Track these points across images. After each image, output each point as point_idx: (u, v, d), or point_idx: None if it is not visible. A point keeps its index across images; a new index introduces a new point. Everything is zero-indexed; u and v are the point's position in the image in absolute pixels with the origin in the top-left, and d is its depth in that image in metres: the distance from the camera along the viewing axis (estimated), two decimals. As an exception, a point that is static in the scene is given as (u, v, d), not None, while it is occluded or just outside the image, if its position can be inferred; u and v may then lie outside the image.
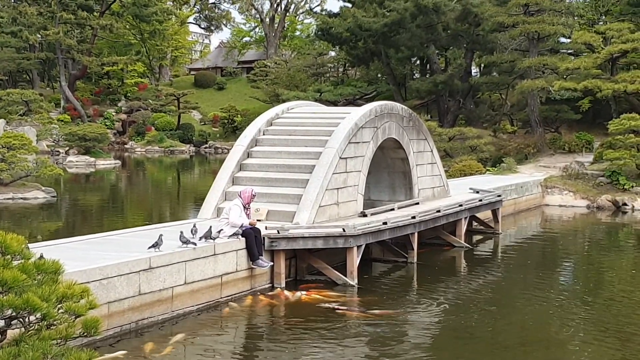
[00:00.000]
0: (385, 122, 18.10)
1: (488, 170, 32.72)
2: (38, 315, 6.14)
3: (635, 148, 28.66)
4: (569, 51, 44.85)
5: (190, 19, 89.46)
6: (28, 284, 5.97)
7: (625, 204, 27.60)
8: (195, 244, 12.50)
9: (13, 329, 6.37)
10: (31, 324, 6.27)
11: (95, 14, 65.35)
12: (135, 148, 61.34)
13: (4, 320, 6.25)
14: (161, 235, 12.16)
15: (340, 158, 16.34)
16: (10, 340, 6.21)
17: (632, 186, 28.27)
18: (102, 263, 10.87)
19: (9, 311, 6.00)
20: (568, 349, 11.31)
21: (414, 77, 58.45)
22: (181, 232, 12.52)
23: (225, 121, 65.00)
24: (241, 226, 13.64)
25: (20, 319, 6.20)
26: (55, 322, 6.31)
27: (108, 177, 41.96)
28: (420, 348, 11.31)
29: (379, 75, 62.00)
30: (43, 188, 28.83)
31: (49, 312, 6.04)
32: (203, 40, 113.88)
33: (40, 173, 29.11)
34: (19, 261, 6.22)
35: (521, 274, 17.42)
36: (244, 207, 14.16)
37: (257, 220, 14.71)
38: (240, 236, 13.60)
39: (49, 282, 6.28)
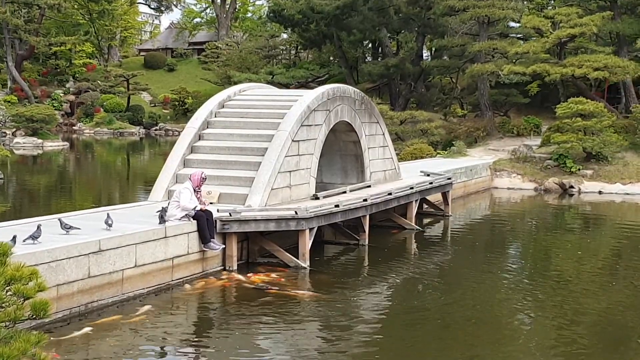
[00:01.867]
0: (337, 105, 18.13)
1: (439, 153, 33.03)
2: (-15, 298, 6.05)
3: (582, 132, 29.18)
4: (518, 35, 45.36)
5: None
6: (-25, 267, 5.88)
7: (572, 187, 28.14)
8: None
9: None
10: (-22, 307, 6.17)
11: (42, -7, 63.97)
12: (84, 130, 60.43)
13: (-51, 303, 6.15)
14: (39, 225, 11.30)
15: (293, 141, 16.33)
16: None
17: (579, 169, 28.82)
18: (51, 245, 10.73)
19: (-44, 294, 5.90)
20: (516, 328, 11.55)
21: (366, 60, 58.55)
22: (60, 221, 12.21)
23: (176, 103, 64.38)
24: (193, 209, 13.56)
25: (-33, 302, 6.10)
26: (3, 305, 6.22)
27: (56, 159, 41.32)
28: (371, 328, 11.44)
29: (331, 58, 61.95)
30: (-11, 170, 28.26)
31: (-4, 294, 5.96)
32: (153, 20, 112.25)
33: (-14, 155, 28.54)
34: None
35: (470, 255, 17.69)
36: (195, 190, 14.07)
37: (210, 203, 14.65)
38: (191, 219, 13.53)
39: (-4, 265, 6.19)
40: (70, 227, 11.83)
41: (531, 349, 10.46)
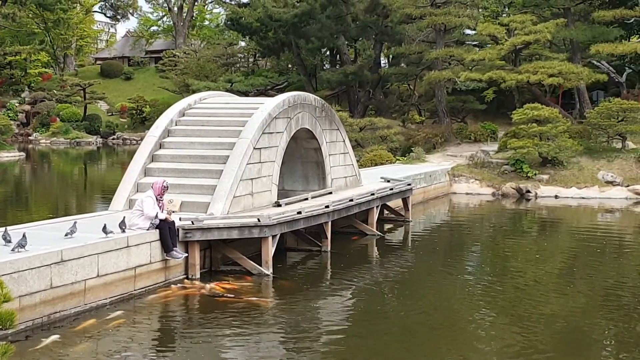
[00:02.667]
0: (298, 112, 18.22)
1: (398, 159, 33.32)
2: (-50, 309, 6.00)
3: (537, 137, 29.68)
4: (474, 43, 45.97)
5: (96, 8, 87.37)
6: (-60, 278, 5.83)
7: (528, 191, 28.59)
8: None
9: None
10: (-57, 319, 6.12)
11: (-4, 1, 63.16)
12: (40, 140, 59.71)
13: None
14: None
15: (254, 148, 16.37)
16: None
17: (535, 174, 29.29)
18: (12, 256, 10.62)
19: None
20: (475, 331, 11.72)
21: (325, 67, 58.77)
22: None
23: (134, 112, 63.97)
24: (155, 216, 13.51)
25: None
26: (-32, 316, 6.18)
27: (12, 170, 40.74)
28: (333, 333, 11.51)
29: (290, 65, 62.11)
30: (-57, 181, 27.78)
31: (-38, 306, 5.92)
32: (109, 29, 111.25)
33: (-60, 166, 28.04)
34: None
35: (431, 260, 17.88)
36: (157, 198, 14.02)
37: (173, 211, 14.61)
38: (154, 227, 13.48)
39: (-39, 276, 6.14)
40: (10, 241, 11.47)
41: (491, 353, 10.62)
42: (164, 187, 14.20)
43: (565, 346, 11.21)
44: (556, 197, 28.28)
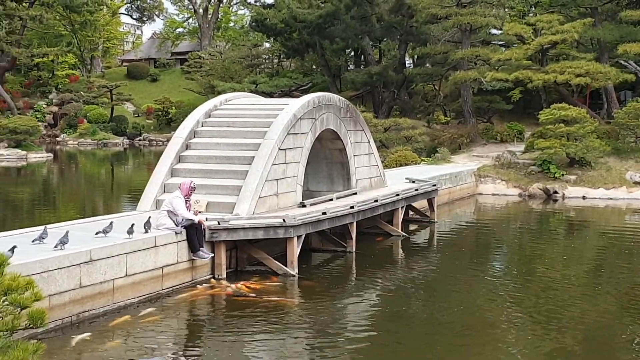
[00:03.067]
0: (323, 113, 18.26)
1: (423, 160, 33.24)
2: (-17, 307, 6.10)
3: (565, 137, 29.47)
4: (501, 42, 45.77)
5: (122, 10, 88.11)
6: (-27, 277, 5.94)
7: (555, 192, 28.40)
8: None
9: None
10: (-24, 317, 6.22)
11: (24, 4, 63.74)
12: (68, 141, 60.28)
13: (-53, 314, 6.19)
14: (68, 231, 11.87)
15: (279, 149, 16.44)
16: (-46, 334, 6.16)
17: (562, 174, 29.10)
18: (42, 256, 10.76)
19: (-46, 304, 5.95)
20: (502, 333, 11.66)
21: (349, 68, 58.79)
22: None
23: (160, 113, 64.38)
24: (188, 220, 13.62)
25: (-35, 312, 6.15)
26: (0, 315, 6.28)
27: (40, 171, 41.18)
28: (359, 334, 11.53)
29: (314, 66, 62.19)
30: (-27, 182, 28.16)
31: (-6, 304, 6.01)
32: (135, 31, 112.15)
33: (-29, 167, 28.43)
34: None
35: (456, 261, 17.83)
36: (184, 199, 14.14)
37: (199, 212, 14.72)
38: (181, 228, 13.58)
39: (-6, 275, 6.25)
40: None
41: (519, 355, 10.57)
42: (192, 187, 14.31)
43: (594, 348, 11.13)
44: (584, 197, 28.07)
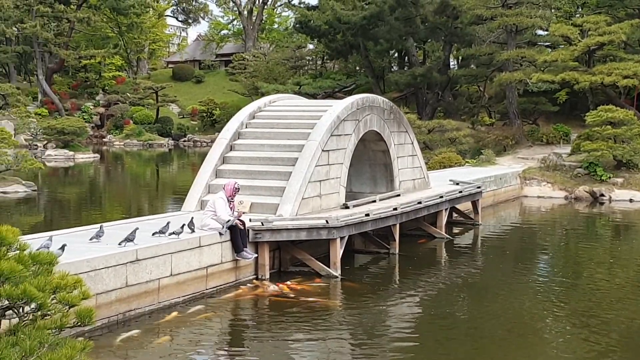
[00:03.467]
0: (366, 114, 18.25)
1: (467, 162, 33.00)
2: (33, 305, 6.23)
3: (612, 139, 29.04)
4: (547, 44, 45.24)
5: (168, 12, 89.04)
6: (24, 275, 6.06)
7: (602, 195, 27.99)
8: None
9: (7, 319, 6.45)
10: (26, 314, 6.35)
11: (72, 6, 64.89)
12: (114, 142, 61.10)
13: (-1, 311, 6.33)
14: (136, 229, 12.31)
15: (323, 150, 16.48)
16: (5, 330, 6.29)
17: (609, 177, 28.66)
18: (89, 255, 10.95)
19: (5, 301, 6.08)
20: (547, 337, 11.54)
21: (393, 69, 58.63)
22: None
23: (204, 114, 64.90)
24: (227, 222, 13.71)
25: (16, 309, 6.28)
26: (49, 312, 6.40)
27: (87, 171, 41.81)
28: (402, 336, 11.51)
29: (358, 68, 62.14)
30: (23, 182, 28.72)
31: (44, 302, 6.13)
32: (181, 33, 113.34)
33: (21, 167, 29.00)
34: (15, 252, 6.31)
35: (500, 264, 17.68)
36: (228, 199, 14.25)
37: (243, 212, 14.82)
38: (226, 228, 13.67)
39: (43, 273, 6.37)
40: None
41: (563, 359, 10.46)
42: (236, 188, 14.41)
43: (639, 353, 10.97)
44: (631, 200, 27.60)
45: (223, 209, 13.81)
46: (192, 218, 13.53)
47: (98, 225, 12.98)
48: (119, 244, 11.72)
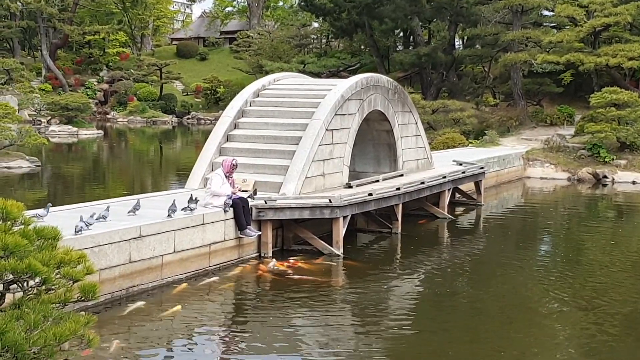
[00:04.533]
0: (371, 94, 18.24)
1: (471, 142, 32.98)
2: (37, 279, 6.28)
3: (616, 121, 28.97)
4: (552, 24, 44.97)
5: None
6: (29, 249, 6.11)
7: (605, 177, 27.98)
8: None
9: (11, 293, 6.51)
10: (30, 289, 6.41)
11: (76, -18, 64.66)
12: (117, 118, 61.05)
13: (2, 285, 6.38)
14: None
15: (327, 130, 16.49)
16: (9, 304, 6.35)
17: (613, 159, 28.65)
18: (93, 231, 11.01)
19: (10, 275, 6.13)
20: (547, 317, 11.61)
21: (398, 49, 58.34)
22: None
23: (208, 92, 64.76)
24: (229, 197, 13.77)
25: (20, 283, 6.34)
26: (53, 287, 6.46)
27: (90, 147, 41.86)
28: (403, 315, 11.59)
29: (363, 47, 61.87)
30: (27, 157, 28.79)
31: (48, 276, 6.19)
32: (185, 9, 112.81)
33: (25, 142, 29.04)
34: (19, 227, 6.35)
35: (502, 244, 17.75)
36: (226, 176, 14.31)
37: (244, 190, 14.87)
38: (229, 206, 13.73)
39: (48, 248, 6.42)
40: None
41: (564, 339, 10.53)
42: (233, 164, 14.49)
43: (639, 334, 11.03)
44: (634, 183, 27.60)
45: (218, 184, 13.88)
46: (191, 195, 13.50)
47: (134, 198, 13.67)
48: (128, 213, 12.43)
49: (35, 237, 6.38)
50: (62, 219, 11.28)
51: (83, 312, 7.57)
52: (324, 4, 52.66)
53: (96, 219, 11.43)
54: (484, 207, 21.96)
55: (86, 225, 11.03)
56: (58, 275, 6.58)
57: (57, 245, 6.62)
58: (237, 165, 14.68)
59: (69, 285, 6.62)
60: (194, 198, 13.24)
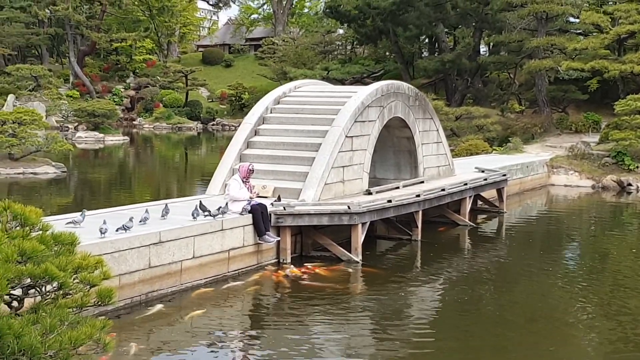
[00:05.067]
0: (391, 101, 18.29)
1: (494, 149, 32.87)
2: (55, 284, 6.40)
3: (641, 129, 28.76)
4: (577, 31, 44.72)
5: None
6: (46, 255, 6.23)
7: (630, 185, 27.77)
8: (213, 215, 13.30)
9: (30, 298, 6.65)
10: (48, 293, 6.53)
11: (104, -11, 65.38)
12: (143, 124, 61.58)
13: (22, 289, 6.52)
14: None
15: (347, 136, 16.56)
16: (27, 309, 6.49)
17: (637, 167, 28.42)
18: (113, 236, 11.16)
19: (28, 280, 6.26)
20: (572, 326, 11.51)
21: (422, 55, 58.27)
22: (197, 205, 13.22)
23: (233, 98, 65.12)
24: (248, 202, 13.90)
25: (38, 288, 6.47)
26: (71, 292, 6.57)
27: (116, 153, 42.26)
28: (423, 323, 11.59)
29: (387, 53, 61.87)
30: (53, 163, 29.14)
31: (65, 281, 6.30)
32: (211, 16, 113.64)
33: (51, 148, 29.42)
34: (37, 232, 6.49)
35: (525, 253, 17.66)
36: (243, 181, 14.45)
37: (264, 197, 14.98)
38: (247, 212, 13.85)
39: (65, 253, 6.54)
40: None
41: (587, 349, 10.47)
42: (250, 170, 14.65)
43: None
44: (659, 191, 27.38)
45: (236, 189, 14.04)
46: (200, 202, 13.63)
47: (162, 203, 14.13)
48: (162, 217, 12.87)
49: (53, 242, 6.50)
50: (95, 225, 11.45)
51: (102, 317, 7.68)
52: (348, 10, 52.76)
53: (139, 222, 12.01)
54: (506, 214, 21.88)
55: (125, 228, 11.55)
56: (76, 280, 6.70)
57: (74, 251, 6.74)
58: (253, 170, 14.83)
59: (86, 290, 6.73)
60: (204, 205, 13.36)
